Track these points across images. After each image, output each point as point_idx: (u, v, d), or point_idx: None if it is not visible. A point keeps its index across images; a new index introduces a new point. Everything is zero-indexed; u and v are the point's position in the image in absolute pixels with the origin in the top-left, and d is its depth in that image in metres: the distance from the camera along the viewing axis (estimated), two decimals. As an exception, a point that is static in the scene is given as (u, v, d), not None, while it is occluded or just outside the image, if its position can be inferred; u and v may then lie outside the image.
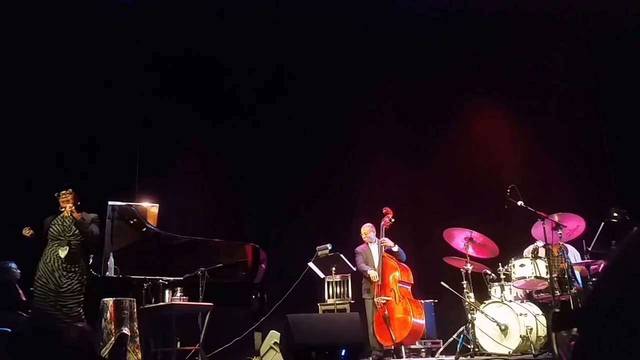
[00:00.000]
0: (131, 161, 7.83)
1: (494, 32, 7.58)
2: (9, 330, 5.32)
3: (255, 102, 8.50)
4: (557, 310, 5.33)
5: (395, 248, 6.20)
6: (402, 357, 5.85)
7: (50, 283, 4.94)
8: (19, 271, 6.18)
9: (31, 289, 6.02)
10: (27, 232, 5.14)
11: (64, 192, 5.04)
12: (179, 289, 5.88)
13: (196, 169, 8.12)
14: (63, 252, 4.97)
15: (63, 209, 5.08)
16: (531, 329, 5.46)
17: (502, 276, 5.85)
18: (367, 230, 6.41)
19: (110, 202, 6.02)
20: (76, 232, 5.14)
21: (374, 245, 6.35)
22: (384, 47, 8.03)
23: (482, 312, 5.64)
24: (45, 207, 7.04)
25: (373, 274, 6.05)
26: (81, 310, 5.02)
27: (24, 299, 5.95)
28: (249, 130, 8.43)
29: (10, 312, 5.65)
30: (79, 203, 5.08)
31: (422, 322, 5.94)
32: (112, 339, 5.19)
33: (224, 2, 8.21)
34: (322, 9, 7.83)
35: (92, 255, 5.54)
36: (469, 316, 5.71)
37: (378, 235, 6.32)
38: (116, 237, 5.96)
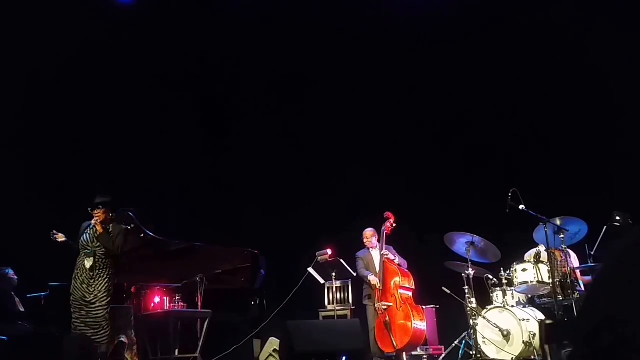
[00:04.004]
0: (128, 164, 7.78)
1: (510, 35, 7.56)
2: (5, 338, 5.27)
3: (254, 104, 8.47)
4: (548, 322, 5.28)
5: (397, 260, 6.14)
6: (403, 364, 5.78)
7: (80, 294, 5.00)
8: (16, 278, 6.13)
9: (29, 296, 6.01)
10: (59, 237, 5.20)
11: (95, 210, 5.08)
12: (177, 295, 5.84)
13: (194, 172, 8.08)
14: (89, 263, 5.04)
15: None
16: (534, 335, 5.38)
17: (504, 281, 5.77)
18: (369, 234, 6.35)
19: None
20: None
21: (375, 251, 6.29)
22: (385, 52, 8.02)
23: (484, 318, 5.57)
24: (42, 209, 7.03)
25: (374, 280, 5.99)
26: (108, 317, 5.05)
27: (21, 308, 5.88)
28: (248, 133, 8.40)
29: (6, 320, 5.59)
30: (110, 215, 5.14)
31: (424, 327, 5.87)
32: (110, 346, 5.14)
33: (226, 3, 8.19)
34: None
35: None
36: (471, 322, 5.63)
37: (379, 240, 6.26)
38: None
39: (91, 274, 5.02)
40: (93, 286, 5.00)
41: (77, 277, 5.06)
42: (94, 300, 4.97)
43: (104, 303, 5.00)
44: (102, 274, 5.06)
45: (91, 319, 4.96)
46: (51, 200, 7.29)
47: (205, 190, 8.16)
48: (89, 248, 5.09)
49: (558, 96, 7.30)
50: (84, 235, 5.17)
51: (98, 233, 5.08)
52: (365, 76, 8.08)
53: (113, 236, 5.13)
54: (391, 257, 6.10)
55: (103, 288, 5.02)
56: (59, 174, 7.51)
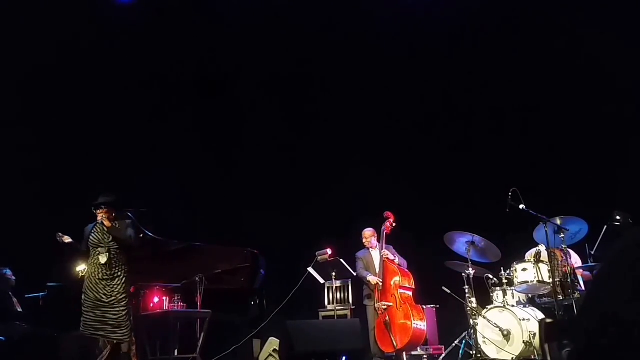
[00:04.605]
0: (127, 164, 7.75)
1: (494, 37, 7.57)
2: (3, 339, 5.24)
3: (254, 103, 8.45)
4: (548, 320, 5.27)
5: (397, 260, 6.12)
6: (403, 364, 5.76)
7: (96, 295, 4.97)
8: (14, 278, 6.12)
9: (27, 296, 5.97)
10: (65, 239, 5.17)
11: (99, 211, 5.07)
12: (176, 295, 5.81)
13: (193, 172, 8.05)
14: (103, 258, 5.01)
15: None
16: (534, 335, 5.37)
17: (505, 281, 5.77)
18: (368, 235, 6.33)
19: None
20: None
21: (375, 251, 6.27)
22: (387, 53, 8.02)
23: (485, 318, 5.56)
24: (39, 209, 7.00)
25: (374, 279, 5.97)
26: (130, 318, 5.04)
27: (19, 308, 5.86)
28: (248, 133, 8.37)
29: (4, 321, 5.56)
30: (114, 214, 5.12)
31: (424, 327, 5.85)
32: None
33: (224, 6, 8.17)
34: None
35: (83, 266, 5.47)
36: (471, 322, 5.62)
37: (379, 240, 6.25)
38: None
39: (108, 273, 4.99)
40: (110, 287, 4.98)
41: (91, 277, 5.04)
42: (113, 302, 4.95)
43: (123, 303, 4.99)
44: (118, 273, 5.05)
45: (109, 318, 4.93)
46: (49, 199, 7.25)
47: (205, 189, 8.12)
48: (102, 245, 5.08)
49: (558, 96, 7.30)
50: (92, 235, 5.15)
51: (108, 228, 5.06)
52: (366, 77, 8.06)
53: (122, 229, 5.12)
54: (391, 256, 6.08)
55: (121, 289, 5.01)
56: (56, 173, 7.47)
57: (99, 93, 7.84)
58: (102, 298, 4.94)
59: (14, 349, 5.18)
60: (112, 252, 5.05)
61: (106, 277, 4.99)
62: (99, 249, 5.06)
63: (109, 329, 4.92)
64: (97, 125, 7.76)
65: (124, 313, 4.97)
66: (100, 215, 5.04)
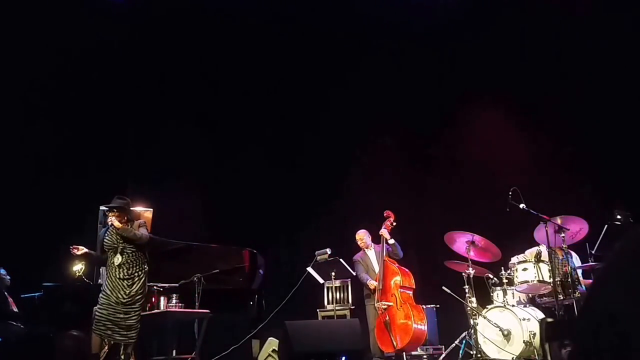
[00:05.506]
0: (125, 164, 7.70)
1: (489, 34, 7.57)
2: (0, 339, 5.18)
3: (251, 104, 8.41)
4: (549, 320, 5.26)
5: (392, 241, 6.09)
6: (403, 364, 5.73)
7: (113, 296, 4.95)
8: (8, 277, 6.06)
9: (22, 296, 5.90)
10: (80, 250, 5.15)
11: (110, 213, 5.07)
12: (174, 295, 5.76)
13: (192, 172, 8.00)
14: (118, 260, 5.01)
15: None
16: (534, 334, 5.36)
17: (505, 280, 5.76)
18: (361, 235, 6.30)
19: (102, 207, 5.90)
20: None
21: (371, 251, 6.25)
22: (380, 58, 8.01)
23: (485, 317, 5.55)
24: (40, 208, 6.92)
25: (372, 284, 5.94)
26: (140, 318, 5.03)
27: (14, 308, 5.79)
28: (246, 134, 8.33)
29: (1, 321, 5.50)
30: (126, 218, 5.09)
31: (424, 327, 5.83)
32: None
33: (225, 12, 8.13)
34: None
35: (82, 264, 5.41)
36: (471, 321, 5.60)
37: (374, 240, 6.22)
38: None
39: (127, 273, 4.98)
40: (129, 288, 4.96)
41: (110, 277, 5.02)
42: (128, 303, 4.94)
43: (138, 304, 4.99)
44: (138, 273, 5.03)
45: (120, 319, 4.91)
46: (44, 198, 7.18)
47: (204, 189, 8.07)
48: (115, 246, 5.06)
49: (559, 95, 7.30)
50: (106, 237, 5.13)
51: (117, 229, 5.03)
52: (366, 76, 8.05)
53: (133, 229, 5.09)
54: (387, 235, 6.01)
55: (139, 290, 5.01)
56: (51, 172, 7.41)
57: (95, 90, 7.78)
58: (120, 298, 4.93)
59: (9, 349, 5.12)
60: (127, 253, 5.04)
61: (126, 277, 4.98)
62: (113, 251, 5.05)
63: (116, 329, 4.88)
64: (95, 124, 7.70)
65: (136, 314, 4.95)
66: (110, 218, 5.03)
